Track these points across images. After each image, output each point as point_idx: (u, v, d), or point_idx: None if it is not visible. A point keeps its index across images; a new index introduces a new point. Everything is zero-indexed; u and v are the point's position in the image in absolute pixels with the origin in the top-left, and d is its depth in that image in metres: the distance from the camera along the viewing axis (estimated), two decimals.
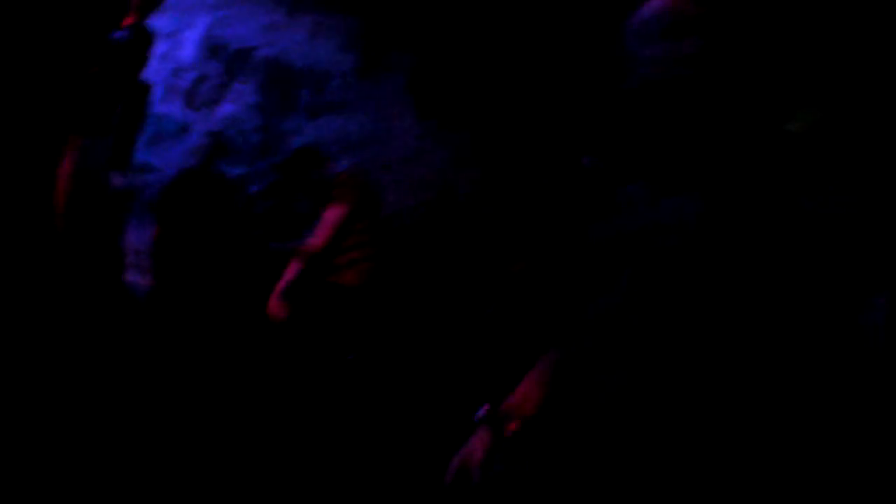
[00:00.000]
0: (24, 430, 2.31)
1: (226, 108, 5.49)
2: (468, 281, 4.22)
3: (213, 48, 5.64)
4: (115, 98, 3.69)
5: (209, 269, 4.37)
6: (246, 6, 5.68)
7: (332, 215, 3.36)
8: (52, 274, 3.45)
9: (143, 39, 3.93)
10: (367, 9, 5.34)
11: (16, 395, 2.53)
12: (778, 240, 1.00)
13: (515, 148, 4.69)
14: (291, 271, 3.38)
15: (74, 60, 3.65)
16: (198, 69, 5.60)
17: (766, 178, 1.05)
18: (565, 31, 4.46)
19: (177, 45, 5.68)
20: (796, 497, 0.95)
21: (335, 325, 3.45)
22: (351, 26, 5.46)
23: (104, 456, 2.28)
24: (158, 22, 5.26)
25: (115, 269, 4.01)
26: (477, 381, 2.88)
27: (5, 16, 3.59)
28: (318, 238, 3.36)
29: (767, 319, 0.98)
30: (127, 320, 3.76)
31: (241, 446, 2.74)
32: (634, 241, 1.03)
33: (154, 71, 5.25)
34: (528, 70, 4.71)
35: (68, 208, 3.48)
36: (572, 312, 1.13)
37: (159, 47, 5.33)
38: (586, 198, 2.96)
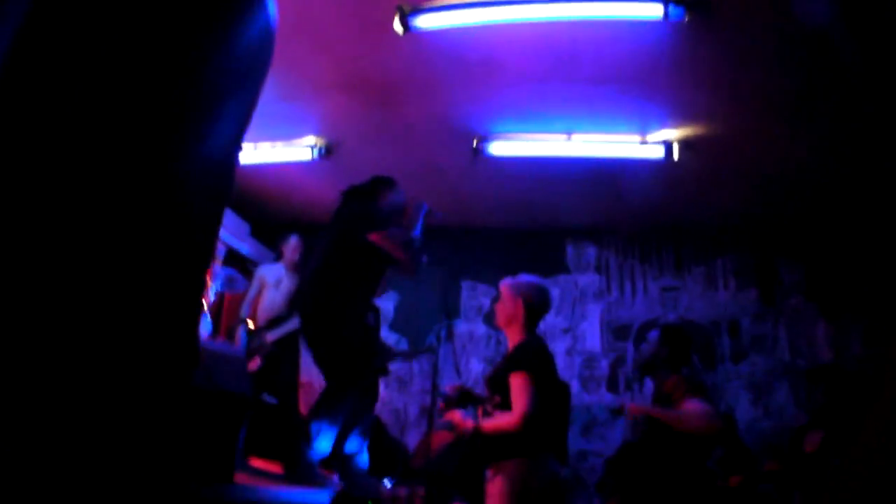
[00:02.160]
0: None
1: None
2: None
3: (615, 330, 6.06)
4: None
5: None
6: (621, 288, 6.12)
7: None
8: None
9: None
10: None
11: None
12: None
13: None
14: None
15: None
16: (608, 355, 6.00)
17: None
18: None
19: (579, 338, 6.18)
20: None
21: None
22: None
23: None
24: (553, 320, 5.90)
25: None
26: None
27: None
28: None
29: None
30: None
31: None
32: None
33: (565, 366, 5.75)
34: None
35: None
36: None
37: (562, 343, 5.91)
38: None
